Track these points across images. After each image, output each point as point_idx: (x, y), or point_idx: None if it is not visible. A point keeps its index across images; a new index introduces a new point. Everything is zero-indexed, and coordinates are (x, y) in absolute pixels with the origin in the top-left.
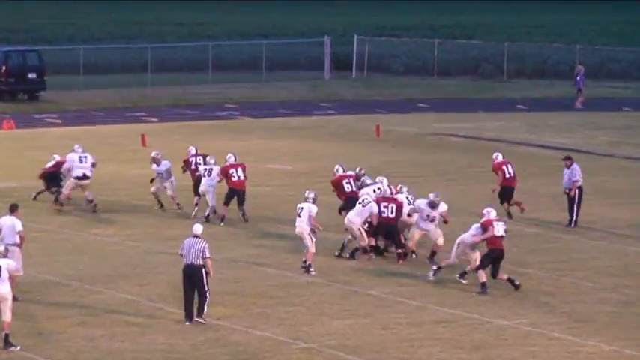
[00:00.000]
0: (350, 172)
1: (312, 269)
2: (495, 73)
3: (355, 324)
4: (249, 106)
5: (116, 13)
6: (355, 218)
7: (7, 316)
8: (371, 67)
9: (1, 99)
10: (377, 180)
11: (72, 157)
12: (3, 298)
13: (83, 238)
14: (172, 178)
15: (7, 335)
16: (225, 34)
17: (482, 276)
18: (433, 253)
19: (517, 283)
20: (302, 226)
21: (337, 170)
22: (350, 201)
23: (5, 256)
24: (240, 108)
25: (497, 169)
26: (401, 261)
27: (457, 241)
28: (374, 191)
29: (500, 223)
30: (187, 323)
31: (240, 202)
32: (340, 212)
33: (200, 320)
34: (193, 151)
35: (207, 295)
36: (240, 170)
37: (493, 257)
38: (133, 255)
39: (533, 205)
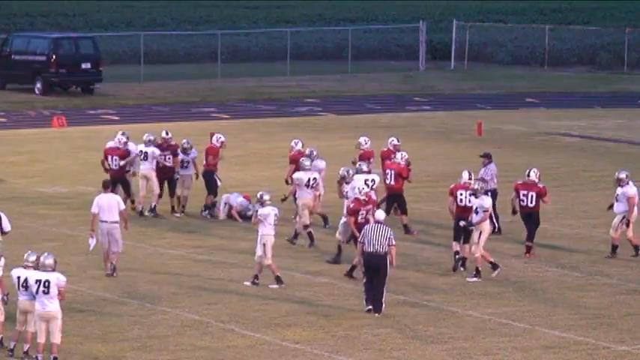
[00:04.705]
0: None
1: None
2: (615, 63)
3: (452, 349)
4: (332, 101)
5: None
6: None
7: (56, 338)
8: (472, 56)
9: (50, 92)
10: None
11: None
12: (51, 318)
13: (144, 251)
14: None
15: (55, 359)
16: (306, 19)
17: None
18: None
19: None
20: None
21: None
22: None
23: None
24: (323, 103)
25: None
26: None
27: None
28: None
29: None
30: (377, 315)
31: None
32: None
33: (378, 315)
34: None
35: (385, 289)
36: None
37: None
38: (201, 270)
39: None
